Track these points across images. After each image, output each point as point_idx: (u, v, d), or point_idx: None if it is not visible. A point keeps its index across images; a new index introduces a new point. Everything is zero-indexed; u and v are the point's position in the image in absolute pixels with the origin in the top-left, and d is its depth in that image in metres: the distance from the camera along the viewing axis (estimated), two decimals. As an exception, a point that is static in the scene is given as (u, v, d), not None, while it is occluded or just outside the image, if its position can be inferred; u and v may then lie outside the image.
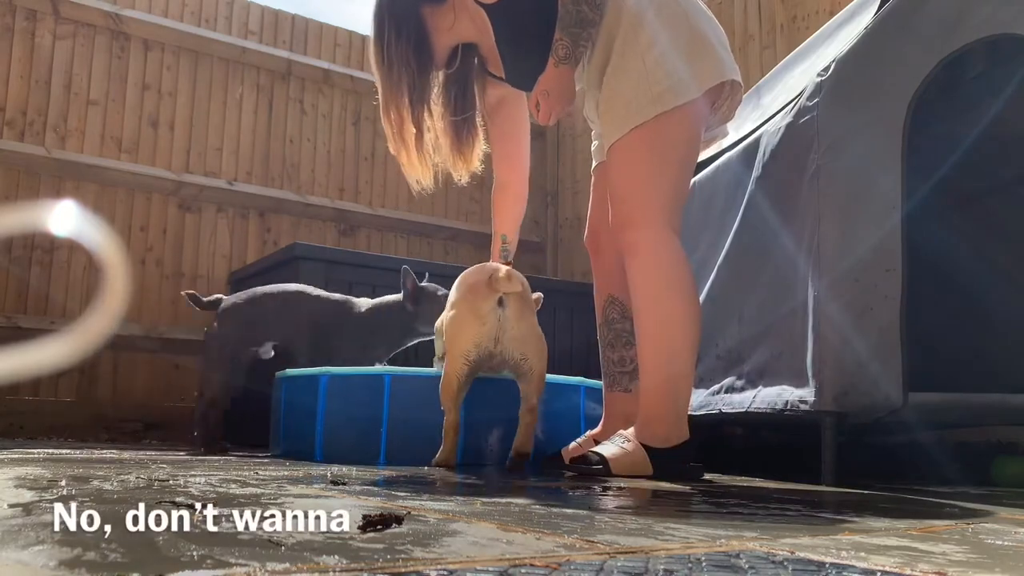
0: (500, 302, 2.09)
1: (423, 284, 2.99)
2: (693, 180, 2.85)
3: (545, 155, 5.55)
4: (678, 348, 2.02)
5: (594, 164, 2.48)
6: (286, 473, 1.77)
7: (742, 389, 2.39)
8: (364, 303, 3.00)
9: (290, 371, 2.64)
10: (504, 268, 2.10)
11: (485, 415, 2.47)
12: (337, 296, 3.02)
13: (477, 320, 2.09)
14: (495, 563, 0.65)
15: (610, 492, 1.57)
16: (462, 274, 2.25)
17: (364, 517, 0.85)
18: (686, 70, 2.07)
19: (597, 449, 1.99)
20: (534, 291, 2.32)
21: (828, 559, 0.74)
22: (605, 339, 2.36)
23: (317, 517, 0.92)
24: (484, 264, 2.25)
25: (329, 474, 1.74)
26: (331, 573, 0.59)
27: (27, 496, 1.05)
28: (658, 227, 2.05)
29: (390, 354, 3.00)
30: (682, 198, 2.14)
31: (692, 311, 2.05)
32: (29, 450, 2.47)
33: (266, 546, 0.69)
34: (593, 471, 1.94)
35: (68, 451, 2.51)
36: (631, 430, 2.03)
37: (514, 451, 2.18)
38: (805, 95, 2.19)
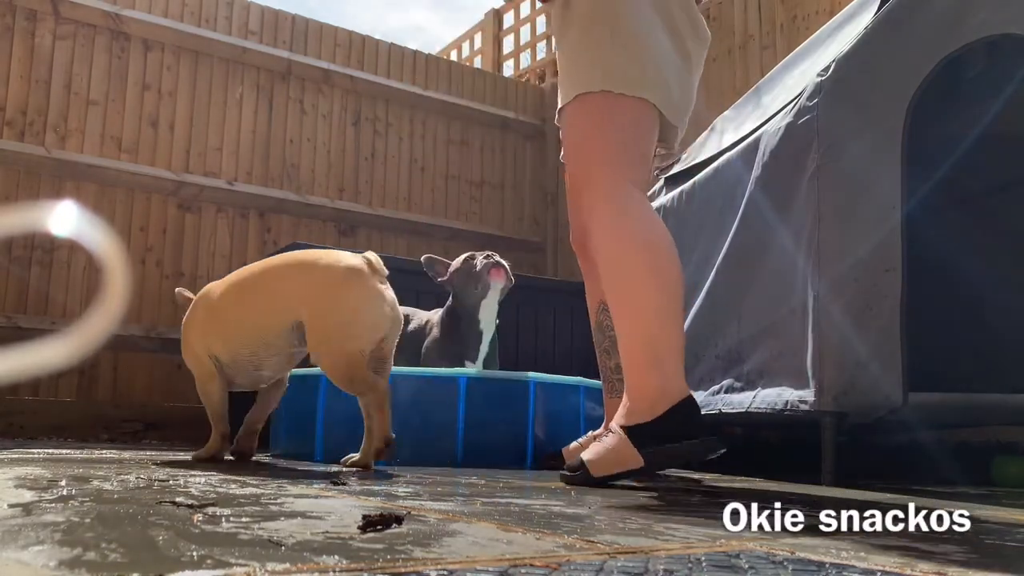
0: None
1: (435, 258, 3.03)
2: (694, 180, 2.86)
3: (545, 155, 5.55)
4: (650, 309, 1.81)
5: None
6: (286, 473, 1.77)
7: (742, 389, 2.39)
8: (435, 314, 3.03)
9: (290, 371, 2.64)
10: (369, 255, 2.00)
11: (486, 415, 2.47)
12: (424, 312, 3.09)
13: (383, 301, 1.95)
14: (495, 563, 0.65)
15: (610, 492, 1.57)
16: (311, 256, 2.07)
17: (364, 517, 0.85)
18: (651, 70, 1.96)
19: (583, 454, 1.85)
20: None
21: (828, 559, 0.74)
22: (600, 345, 2.25)
23: (317, 517, 0.92)
24: (330, 250, 2.09)
25: (329, 474, 1.74)
26: (331, 573, 0.59)
27: (27, 496, 1.05)
28: (614, 179, 1.90)
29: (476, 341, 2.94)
30: (636, 157, 1.95)
31: (663, 267, 1.84)
32: (29, 450, 2.47)
33: (266, 546, 0.69)
34: (574, 478, 1.80)
35: (68, 451, 2.51)
36: (617, 418, 1.83)
37: (375, 448, 1.96)
38: (805, 95, 2.19)
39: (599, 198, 1.92)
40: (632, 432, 1.74)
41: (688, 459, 1.68)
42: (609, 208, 1.89)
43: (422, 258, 3.03)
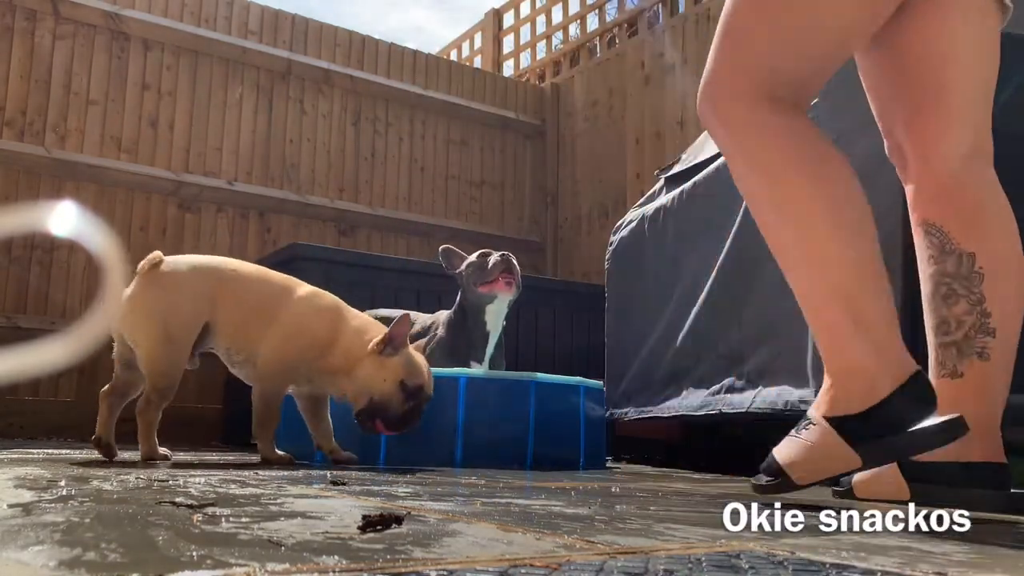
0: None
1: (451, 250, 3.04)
2: (695, 180, 2.86)
3: (545, 155, 5.55)
4: (836, 260, 1.32)
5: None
6: (286, 473, 1.77)
7: (743, 389, 2.39)
8: (440, 315, 3.04)
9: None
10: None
11: (486, 415, 2.47)
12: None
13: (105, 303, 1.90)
14: (495, 563, 0.65)
15: (610, 492, 1.58)
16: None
17: (364, 517, 0.85)
18: None
19: (778, 455, 1.40)
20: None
21: (828, 559, 0.73)
22: (925, 297, 1.49)
23: (317, 517, 0.92)
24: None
25: (329, 474, 1.74)
26: (331, 573, 0.59)
27: (27, 496, 1.05)
28: (740, 106, 1.39)
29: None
30: (794, 44, 1.42)
31: (827, 191, 1.34)
32: (29, 450, 2.47)
33: (266, 546, 0.69)
34: (769, 488, 1.41)
35: (68, 451, 2.51)
36: (815, 408, 1.35)
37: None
38: (805, 95, 2.19)
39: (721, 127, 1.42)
40: (842, 424, 1.29)
41: (919, 451, 1.26)
42: (730, 143, 1.42)
43: (440, 248, 3.01)
